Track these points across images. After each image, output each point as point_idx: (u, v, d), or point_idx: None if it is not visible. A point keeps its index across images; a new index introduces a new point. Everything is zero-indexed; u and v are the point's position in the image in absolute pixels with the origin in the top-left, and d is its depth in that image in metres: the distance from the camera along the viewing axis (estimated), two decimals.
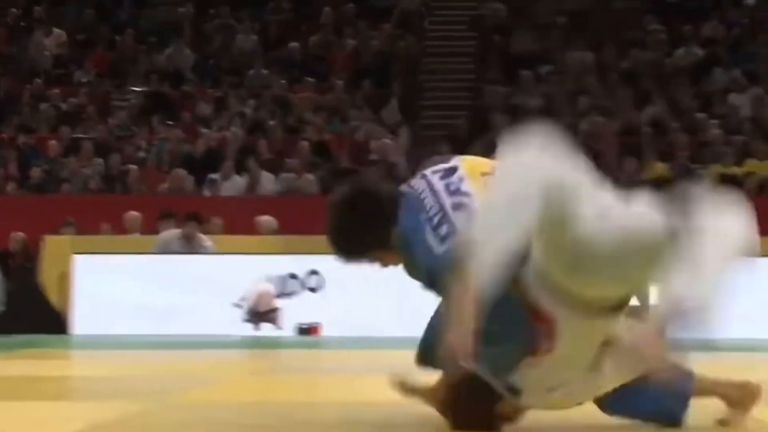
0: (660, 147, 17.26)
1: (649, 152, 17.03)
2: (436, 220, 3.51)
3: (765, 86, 19.06)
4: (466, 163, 3.74)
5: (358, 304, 12.17)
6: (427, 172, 3.73)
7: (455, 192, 3.57)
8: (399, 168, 17.93)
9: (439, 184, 3.61)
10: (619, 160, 17.03)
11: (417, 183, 3.70)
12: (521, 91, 19.26)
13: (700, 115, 18.22)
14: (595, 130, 17.94)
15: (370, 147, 17.80)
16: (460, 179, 3.63)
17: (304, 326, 12.62)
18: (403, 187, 3.75)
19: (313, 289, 12.79)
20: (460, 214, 3.48)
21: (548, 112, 18.74)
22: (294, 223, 14.61)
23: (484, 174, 3.62)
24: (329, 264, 14.58)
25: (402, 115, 19.09)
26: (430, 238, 3.50)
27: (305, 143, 17.62)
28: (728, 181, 16.32)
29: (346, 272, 14.24)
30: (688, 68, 19.55)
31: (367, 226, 3.65)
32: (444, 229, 3.48)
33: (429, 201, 3.58)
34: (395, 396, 3.76)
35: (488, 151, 14.78)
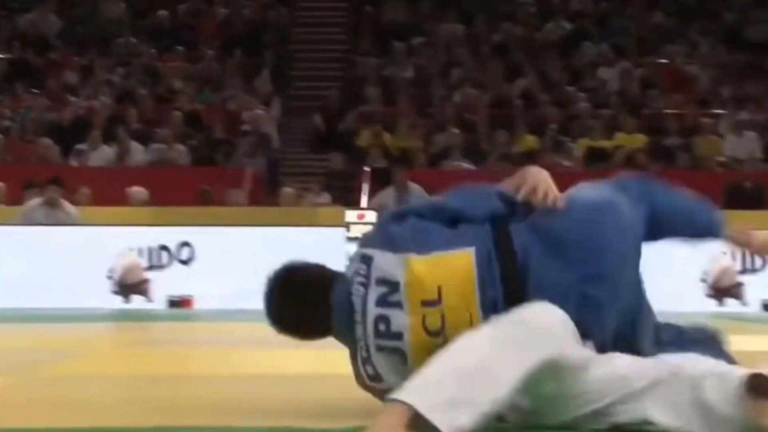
0: (530, 120, 17.51)
1: (520, 125, 17.26)
2: (361, 355, 3.24)
3: (633, 60, 19.47)
4: (411, 281, 3.18)
5: (231, 276, 12.10)
6: (372, 254, 3.26)
7: (385, 334, 3.18)
8: (271, 138, 17.87)
9: (372, 311, 3.20)
10: (490, 132, 17.24)
11: (357, 280, 3.27)
12: (393, 62, 19.32)
13: (570, 89, 18.53)
14: (468, 103, 18.12)
15: (243, 117, 17.68)
16: (398, 305, 3.18)
17: (175, 299, 12.50)
18: (340, 271, 3.39)
19: (184, 261, 12.68)
20: (382, 356, 3.20)
21: (420, 83, 18.88)
22: (165, 194, 14.48)
23: (425, 303, 3.17)
24: (200, 235, 14.48)
25: (274, 85, 19.00)
26: (360, 366, 3.28)
27: (176, 113, 17.42)
28: (597, 154, 16.67)
29: (217, 244, 14.17)
30: (558, 42, 19.86)
31: (296, 311, 3.42)
32: (369, 371, 3.25)
33: (357, 320, 3.23)
34: (269, 369, 3.76)
35: (361, 123, 14.77)
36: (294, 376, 4.81)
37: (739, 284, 12.30)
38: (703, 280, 12.28)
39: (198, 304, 12.42)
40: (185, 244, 12.66)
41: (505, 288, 3.16)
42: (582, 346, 3.11)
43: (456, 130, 17.00)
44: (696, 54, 19.89)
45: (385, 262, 3.23)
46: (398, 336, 3.18)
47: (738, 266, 12.48)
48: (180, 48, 19.45)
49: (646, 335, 3.30)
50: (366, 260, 3.27)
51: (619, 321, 3.22)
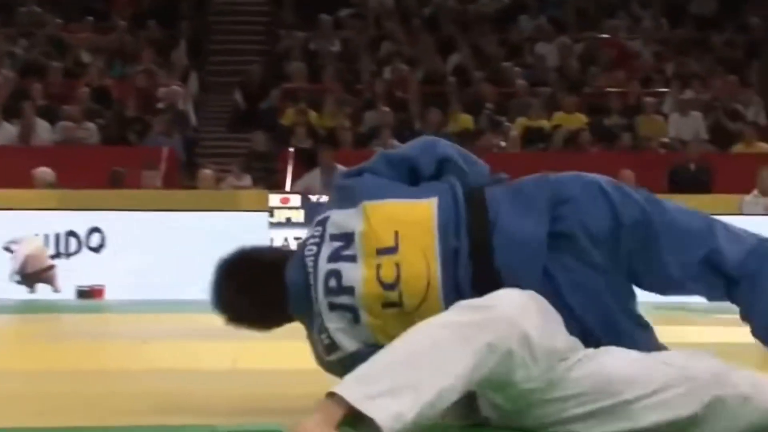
0: (465, 98, 17.58)
1: (454, 103, 17.33)
2: (316, 323, 3.18)
3: (572, 35, 19.62)
4: (366, 229, 3.14)
5: (144, 264, 12.04)
6: (327, 215, 3.24)
7: (336, 289, 3.13)
8: (188, 116, 17.76)
9: (323, 267, 3.16)
10: (422, 110, 17.28)
11: (310, 241, 3.23)
12: (319, 35, 19.29)
13: (506, 65, 18.63)
14: (398, 79, 18.15)
15: (157, 94, 17.56)
16: (351, 258, 3.14)
17: (84, 289, 12.43)
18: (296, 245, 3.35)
19: (94, 249, 12.59)
20: (335, 316, 3.13)
21: (348, 58, 18.87)
22: (73, 176, 14.34)
23: (380, 251, 3.11)
24: (112, 221, 14.39)
25: (190, 59, 18.88)
26: (317, 341, 3.21)
27: (85, 89, 17.25)
28: (535, 135, 16.79)
29: (130, 229, 14.06)
30: (493, 15, 19.94)
31: (249, 297, 3.34)
32: (325, 339, 3.17)
33: (312, 283, 3.18)
34: (186, 363, 3.75)
35: (284, 101, 14.76)
36: (213, 371, 4.80)
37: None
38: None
39: (109, 295, 12.35)
40: (95, 229, 12.58)
41: (471, 239, 3.11)
42: (566, 335, 3.00)
43: (386, 109, 17.02)
44: (638, 29, 20.10)
45: (341, 216, 3.20)
46: (349, 290, 3.12)
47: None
48: (89, 18, 19.25)
49: (631, 322, 3.20)
50: (321, 222, 3.24)
51: (599, 302, 3.13)
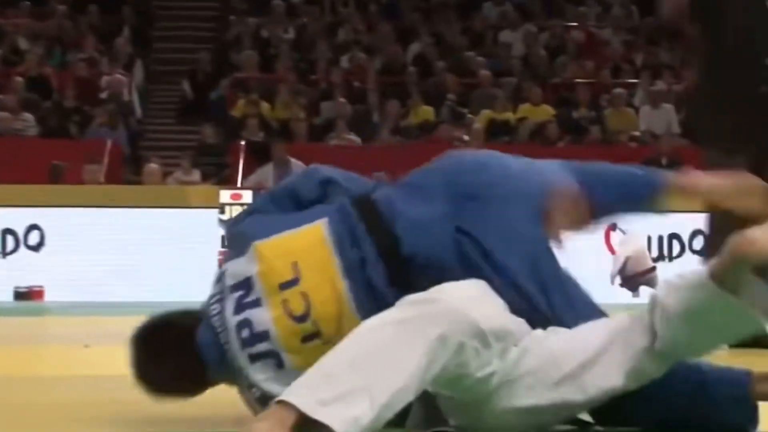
0: (426, 89, 17.62)
1: (415, 94, 17.35)
2: (242, 380, 3.18)
3: (539, 22, 19.71)
4: (263, 268, 3.17)
5: (86, 264, 12.00)
6: (224, 269, 3.26)
7: (250, 339, 3.13)
8: (132, 107, 17.70)
9: (231, 321, 3.16)
10: (381, 102, 17.30)
11: (212, 301, 3.25)
12: (272, 22, 19.27)
13: (469, 54, 18.68)
14: (356, 68, 18.15)
15: (99, 83, 17.50)
16: (256, 303, 3.16)
17: (22, 290, 12.40)
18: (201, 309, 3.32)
19: (32, 247, 12.54)
20: (259, 367, 3.13)
21: (303, 46, 18.85)
22: (9, 170, 14.27)
23: (283, 286, 3.14)
24: (51, 218, 14.32)
25: (135, 47, 18.81)
26: (249, 398, 3.20)
27: (21, 78, 17.17)
28: (499, 127, 16.84)
29: (71, 227, 14.00)
30: (456, 1, 20.00)
31: (163, 367, 3.33)
32: (256, 392, 3.15)
33: (224, 342, 3.19)
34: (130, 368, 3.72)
35: (235, 91, 14.73)
36: None
37: (653, 269, 12.44)
38: (617, 271, 12.43)
39: (49, 296, 12.31)
40: (34, 227, 12.53)
41: (372, 240, 3.15)
42: (512, 317, 3.03)
43: (342, 100, 17.03)
44: (608, 17, 20.21)
45: (236, 266, 3.23)
46: (264, 335, 3.14)
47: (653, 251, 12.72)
48: (26, 2, 19.16)
49: (566, 303, 3.22)
50: (219, 278, 3.28)
51: (521, 244, 3.15)
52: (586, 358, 2.99)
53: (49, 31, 18.79)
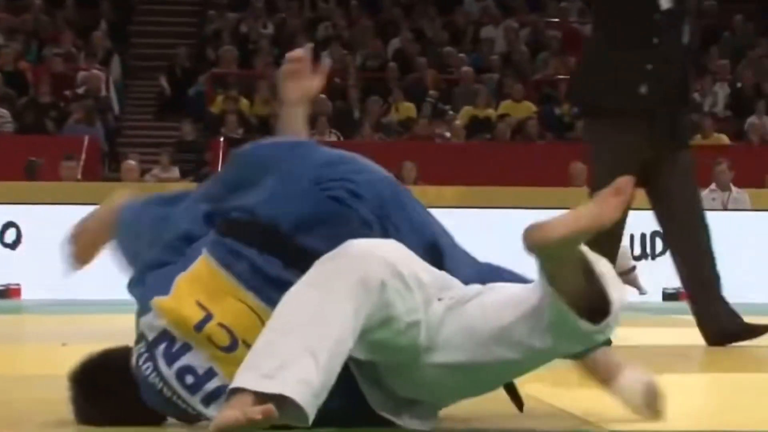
0: (406, 85, 17.64)
1: (395, 90, 17.38)
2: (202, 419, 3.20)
3: (520, 18, 19.74)
4: (170, 320, 3.19)
5: (63, 261, 11.98)
6: (141, 334, 3.26)
7: (197, 383, 3.15)
8: (110, 103, 17.68)
9: (169, 373, 3.17)
10: (362, 98, 17.32)
11: (141, 361, 3.25)
12: (251, 17, 19.27)
13: (450, 50, 18.71)
14: (336, 64, 18.17)
15: (76, 78, 17.47)
16: (186, 347, 3.17)
17: None
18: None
19: (9, 245, 12.52)
20: (215, 407, 3.10)
21: (282, 42, 18.86)
22: None
23: (198, 327, 3.15)
24: (28, 215, 14.27)
25: (112, 41, 18.79)
26: None
27: None
28: (481, 124, 16.88)
29: (48, 224, 13.96)
30: None
31: (100, 407, 3.32)
32: None
33: (171, 395, 3.20)
34: None
35: (214, 87, 14.68)
36: None
37: (633, 269, 12.44)
38: None
39: (26, 294, 12.29)
40: (10, 224, 12.50)
41: (250, 238, 3.22)
42: (427, 265, 3.06)
43: (322, 96, 17.04)
44: (589, 12, 20.23)
45: (148, 321, 3.25)
46: (210, 373, 3.16)
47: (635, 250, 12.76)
48: None
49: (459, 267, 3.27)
50: (139, 338, 3.28)
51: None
52: (517, 316, 2.97)
53: (25, 25, 18.75)
